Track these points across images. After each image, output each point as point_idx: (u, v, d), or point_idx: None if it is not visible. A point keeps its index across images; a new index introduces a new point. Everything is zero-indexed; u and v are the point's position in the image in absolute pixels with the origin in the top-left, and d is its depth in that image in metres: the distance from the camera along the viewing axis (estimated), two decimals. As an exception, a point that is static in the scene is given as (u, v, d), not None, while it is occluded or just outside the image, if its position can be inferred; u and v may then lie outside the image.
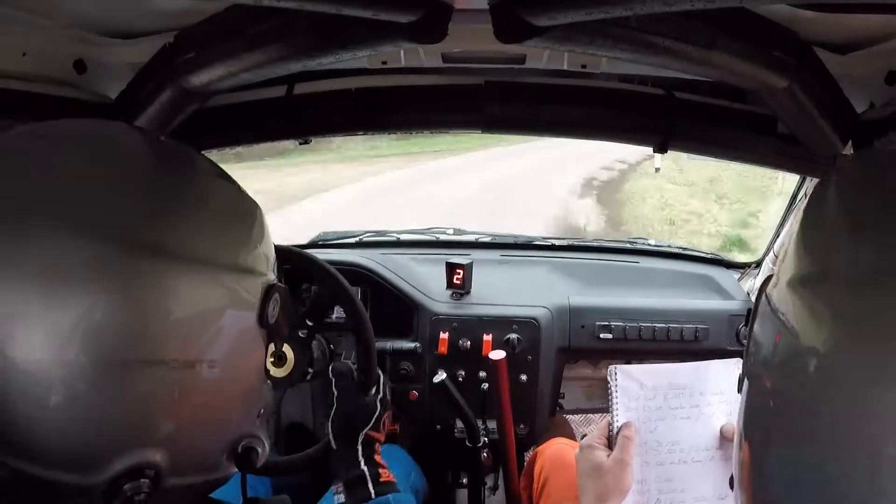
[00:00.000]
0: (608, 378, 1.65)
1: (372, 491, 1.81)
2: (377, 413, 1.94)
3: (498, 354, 2.42)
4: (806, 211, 0.97)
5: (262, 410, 1.23)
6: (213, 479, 1.16)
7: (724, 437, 1.62)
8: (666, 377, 1.66)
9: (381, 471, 1.87)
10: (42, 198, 0.90)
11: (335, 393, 1.98)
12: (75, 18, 1.44)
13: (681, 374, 1.66)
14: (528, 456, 2.89)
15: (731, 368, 1.66)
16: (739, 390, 1.12)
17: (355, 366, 2.05)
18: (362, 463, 1.86)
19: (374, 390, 1.99)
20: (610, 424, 1.65)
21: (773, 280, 0.97)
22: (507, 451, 2.56)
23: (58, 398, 0.87)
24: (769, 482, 0.90)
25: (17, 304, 0.85)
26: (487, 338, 2.85)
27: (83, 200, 0.91)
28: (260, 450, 1.20)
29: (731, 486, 1.16)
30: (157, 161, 1.07)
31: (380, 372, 2.06)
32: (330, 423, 1.95)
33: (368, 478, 1.83)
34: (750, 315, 1.07)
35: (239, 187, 1.15)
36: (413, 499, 1.88)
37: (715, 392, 1.64)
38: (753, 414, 0.96)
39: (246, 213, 1.15)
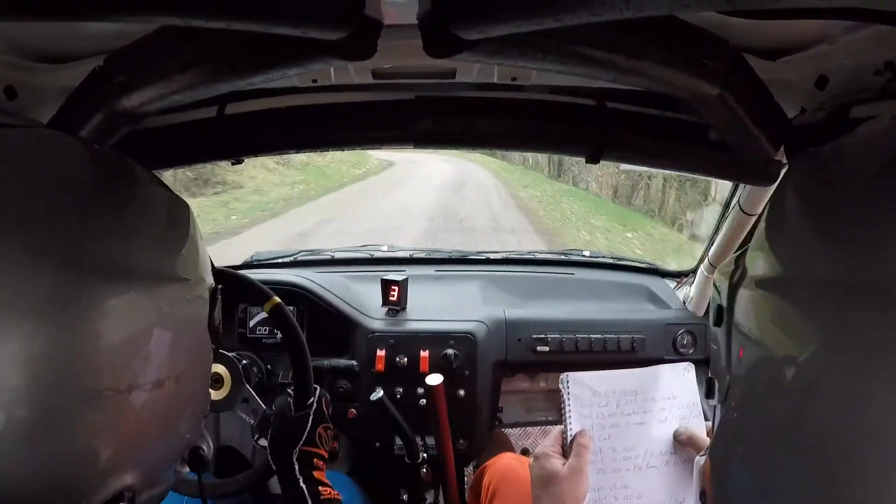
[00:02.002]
0: (560, 386, 1.66)
1: None
2: (307, 428, 1.92)
3: (435, 379, 2.44)
4: (772, 218, 0.98)
5: (207, 412, 1.27)
6: (171, 484, 1.19)
7: (677, 442, 1.63)
8: (617, 383, 1.67)
9: (321, 489, 1.86)
10: None
11: (273, 412, 1.98)
12: (3, 44, 1.41)
13: (632, 380, 1.68)
14: (468, 471, 2.90)
15: (680, 372, 1.68)
16: (710, 396, 1.13)
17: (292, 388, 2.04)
18: (301, 481, 1.85)
19: (310, 402, 1.98)
20: (564, 433, 1.66)
21: (748, 290, 0.98)
22: (447, 473, 2.56)
23: (22, 438, 0.85)
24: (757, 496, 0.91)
25: None
26: (424, 354, 2.88)
27: (16, 219, 0.87)
28: (206, 448, 1.26)
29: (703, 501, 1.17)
30: (91, 172, 1.06)
31: (317, 386, 2.06)
32: (268, 444, 1.94)
33: (307, 496, 1.83)
34: (717, 317, 1.08)
35: (171, 192, 1.16)
36: None
37: (667, 397, 1.66)
38: (739, 429, 0.97)
39: (182, 219, 1.16)
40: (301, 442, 1.91)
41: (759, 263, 0.98)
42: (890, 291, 0.69)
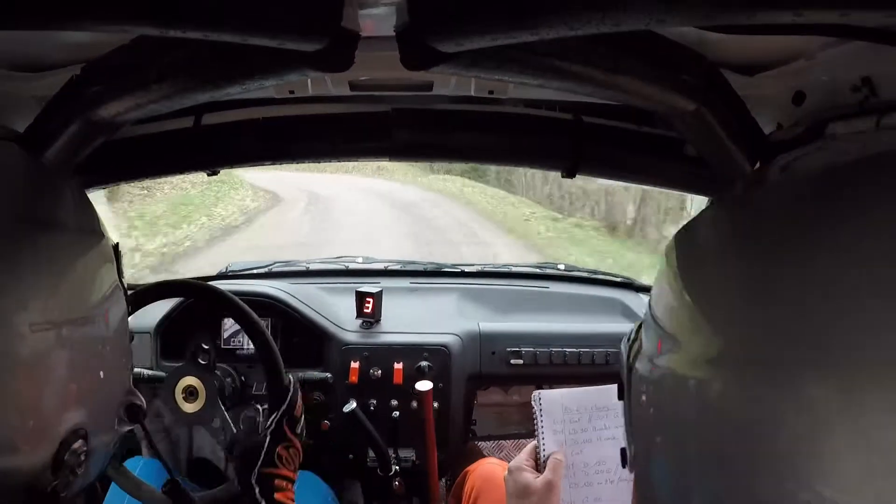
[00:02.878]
0: (532, 403, 1.67)
1: None
2: (265, 448, 1.90)
3: (425, 385, 2.48)
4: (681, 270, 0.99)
5: (132, 367, 1.36)
6: (116, 436, 1.26)
7: None
8: (589, 399, 1.68)
9: None
10: None
11: (242, 433, 1.97)
12: (-20, 52, 1.41)
13: (603, 396, 1.69)
14: (440, 485, 2.89)
15: None
16: (624, 465, 1.14)
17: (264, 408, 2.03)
18: (262, 502, 1.83)
19: (268, 424, 1.96)
20: (537, 448, 1.66)
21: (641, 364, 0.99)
22: (430, 480, 2.56)
23: None
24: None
25: None
26: (398, 366, 2.87)
27: None
28: (140, 405, 1.30)
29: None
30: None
31: (289, 387, 2.05)
32: (235, 464, 1.95)
33: None
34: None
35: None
36: None
37: None
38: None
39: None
40: (259, 464, 1.89)
41: (648, 335, 1.00)
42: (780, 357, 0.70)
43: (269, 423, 1.97)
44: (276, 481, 1.90)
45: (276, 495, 1.87)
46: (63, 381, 1.03)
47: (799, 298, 0.71)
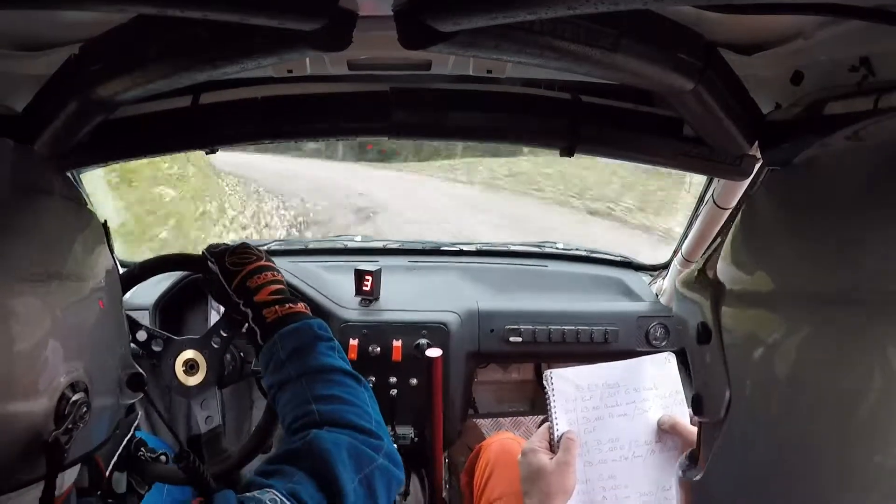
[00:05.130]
0: (544, 383, 1.67)
1: (259, 339, 1.76)
2: (219, 275, 1.85)
3: (435, 352, 2.52)
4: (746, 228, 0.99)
5: (130, 344, 1.41)
6: (119, 404, 1.31)
7: (661, 430, 1.64)
8: (600, 377, 1.68)
9: (266, 311, 1.77)
10: None
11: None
12: (-21, 32, 1.41)
13: (614, 373, 1.69)
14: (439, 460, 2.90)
15: (661, 363, 1.69)
16: (698, 413, 1.13)
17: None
18: (250, 314, 1.79)
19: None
20: (550, 428, 1.66)
21: (737, 308, 0.98)
22: (435, 448, 2.58)
23: None
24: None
25: None
26: (397, 344, 2.87)
27: None
28: (141, 374, 1.33)
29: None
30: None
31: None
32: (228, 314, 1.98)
33: (254, 327, 1.78)
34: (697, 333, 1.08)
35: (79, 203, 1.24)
36: (309, 322, 1.72)
37: (649, 387, 1.67)
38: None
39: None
40: (225, 287, 1.83)
41: (738, 276, 0.98)
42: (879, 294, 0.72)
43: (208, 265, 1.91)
44: (249, 282, 1.81)
45: (255, 298, 1.78)
46: (60, 333, 1.06)
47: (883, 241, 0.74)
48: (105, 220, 1.28)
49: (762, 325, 0.89)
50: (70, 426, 1.06)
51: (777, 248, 0.91)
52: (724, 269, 1.02)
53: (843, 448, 0.76)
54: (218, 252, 1.88)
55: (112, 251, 1.29)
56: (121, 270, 1.51)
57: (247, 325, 1.81)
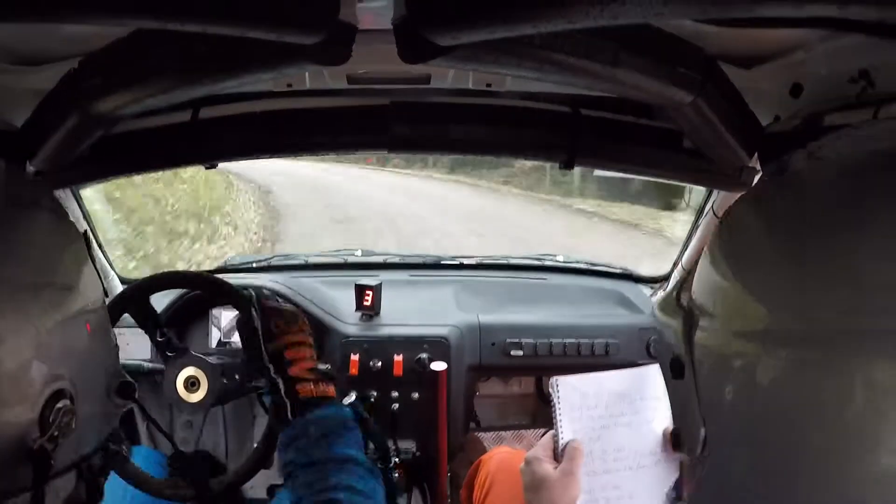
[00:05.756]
0: (550, 390, 1.65)
1: (290, 415, 1.75)
2: (256, 326, 1.83)
3: (440, 366, 2.54)
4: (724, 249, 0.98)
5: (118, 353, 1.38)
6: (107, 412, 1.30)
7: (667, 440, 1.64)
8: (606, 385, 1.67)
9: (299, 387, 1.79)
10: None
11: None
12: (-21, 45, 1.41)
13: (621, 381, 1.68)
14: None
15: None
16: (677, 447, 1.12)
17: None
18: (281, 385, 1.79)
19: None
20: (555, 437, 1.65)
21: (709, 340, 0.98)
22: (439, 462, 2.59)
23: None
24: None
25: None
26: (398, 358, 2.86)
27: None
28: (131, 382, 1.32)
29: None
30: None
31: (247, 288, 1.98)
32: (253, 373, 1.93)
33: (286, 401, 1.77)
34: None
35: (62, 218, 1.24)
36: (344, 411, 1.79)
37: (655, 396, 1.65)
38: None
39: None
40: (262, 343, 1.82)
41: (711, 304, 0.97)
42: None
43: (247, 315, 1.88)
44: (286, 354, 1.82)
45: (290, 370, 1.80)
46: (42, 342, 1.05)
47: (856, 268, 0.73)
48: (86, 230, 1.28)
49: (735, 357, 0.88)
50: (55, 433, 1.06)
51: (749, 272, 0.90)
52: (697, 294, 1.02)
53: (823, 479, 0.76)
54: (269, 308, 1.89)
55: (94, 261, 1.28)
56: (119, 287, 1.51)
57: (269, 390, 1.83)
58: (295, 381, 1.78)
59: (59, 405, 1.07)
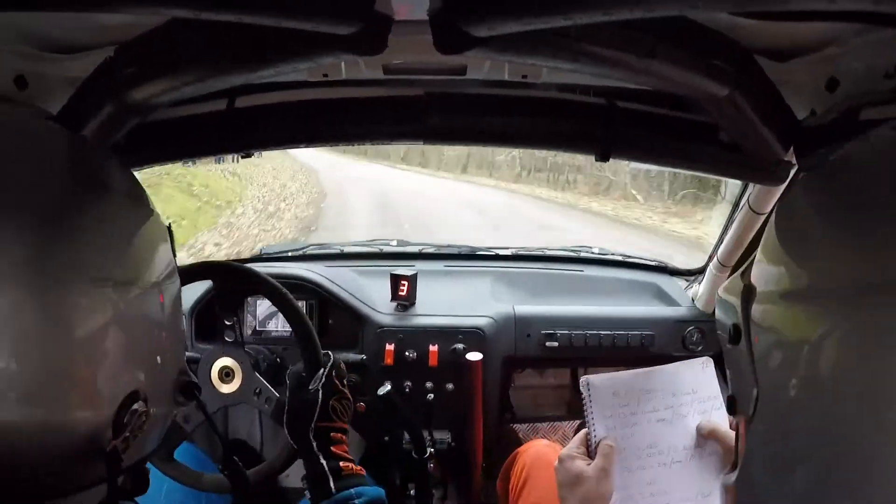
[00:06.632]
0: (581, 389, 1.67)
1: (332, 486, 1.80)
2: (319, 403, 1.91)
3: (475, 356, 2.55)
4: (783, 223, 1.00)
5: (187, 346, 1.36)
6: (172, 412, 1.31)
7: (700, 436, 1.64)
8: (637, 382, 1.68)
9: (342, 464, 1.85)
10: None
11: (287, 395, 1.97)
12: (16, 33, 1.41)
13: (651, 378, 1.68)
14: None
15: (699, 367, 1.69)
16: (732, 412, 1.13)
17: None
18: (321, 457, 1.85)
19: (316, 380, 1.97)
20: (588, 435, 1.66)
21: (764, 304, 0.99)
22: (475, 455, 2.58)
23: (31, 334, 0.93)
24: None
25: None
26: (433, 348, 2.88)
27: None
28: (195, 382, 1.34)
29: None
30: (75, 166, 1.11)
31: (329, 353, 2.06)
32: (286, 425, 1.95)
33: (328, 472, 1.82)
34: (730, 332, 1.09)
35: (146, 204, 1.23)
36: (382, 491, 1.85)
37: (686, 392, 1.66)
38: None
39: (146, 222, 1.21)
40: (315, 419, 1.90)
41: (770, 276, 0.99)
42: None
43: (318, 377, 1.98)
44: (332, 434, 1.92)
45: (333, 448, 1.89)
46: (122, 341, 1.05)
47: None
48: (169, 223, 1.29)
49: (789, 320, 0.90)
50: (128, 435, 1.06)
51: (811, 245, 0.91)
52: (756, 271, 1.03)
53: (872, 436, 0.75)
54: (338, 387, 2.02)
55: (175, 255, 1.29)
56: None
57: (306, 461, 1.92)
58: (339, 458, 1.88)
59: (135, 407, 1.07)
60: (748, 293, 1.03)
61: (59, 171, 1.05)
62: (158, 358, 1.18)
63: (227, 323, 2.15)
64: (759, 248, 1.04)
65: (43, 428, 0.95)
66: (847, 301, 0.78)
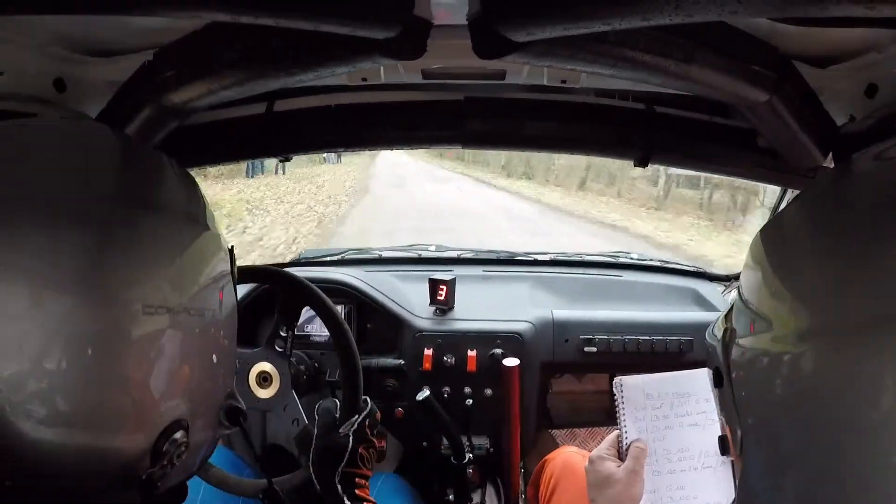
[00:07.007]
0: (614, 390, 1.67)
1: None
2: (349, 449, 1.92)
3: (512, 361, 2.52)
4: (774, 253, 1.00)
5: (236, 367, 1.42)
6: (215, 437, 1.29)
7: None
8: (670, 385, 1.68)
9: None
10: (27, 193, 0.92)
11: (315, 430, 1.97)
12: (56, 36, 1.42)
13: (685, 382, 1.68)
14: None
15: None
16: (724, 453, 1.14)
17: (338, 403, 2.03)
18: (345, 499, 1.86)
19: (348, 426, 1.97)
20: (619, 436, 1.66)
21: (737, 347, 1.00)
22: (512, 459, 2.60)
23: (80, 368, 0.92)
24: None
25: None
26: (472, 353, 2.86)
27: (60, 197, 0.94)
28: (241, 408, 1.32)
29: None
30: (127, 165, 1.11)
31: (367, 399, 2.05)
32: (310, 461, 1.95)
33: None
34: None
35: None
36: None
37: None
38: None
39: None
40: (343, 464, 1.91)
41: (744, 319, 1.00)
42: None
43: (352, 422, 1.98)
44: (357, 479, 1.93)
45: (357, 492, 1.90)
46: (170, 369, 1.04)
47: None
48: (231, 246, 1.29)
49: (766, 358, 0.90)
50: (165, 463, 1.06)
51: (782, 288, 0.91)
52: (735, 313, 1.05)
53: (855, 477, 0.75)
54: (369, 438, 2.03)
55: (235, 281, 1.29)
56: None
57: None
58: (362, 500, 1.89)
59: (177, 436, 1.07)
60: (729, 336, 1.04)
61: (114, 177, 1.05)
62: (207, 384, 1.19)
63: (283, 334, 2.14)
64: (743, 271, 1.05)
65: (81, 452, 0.95)
66: (822, 341, 0.78)
